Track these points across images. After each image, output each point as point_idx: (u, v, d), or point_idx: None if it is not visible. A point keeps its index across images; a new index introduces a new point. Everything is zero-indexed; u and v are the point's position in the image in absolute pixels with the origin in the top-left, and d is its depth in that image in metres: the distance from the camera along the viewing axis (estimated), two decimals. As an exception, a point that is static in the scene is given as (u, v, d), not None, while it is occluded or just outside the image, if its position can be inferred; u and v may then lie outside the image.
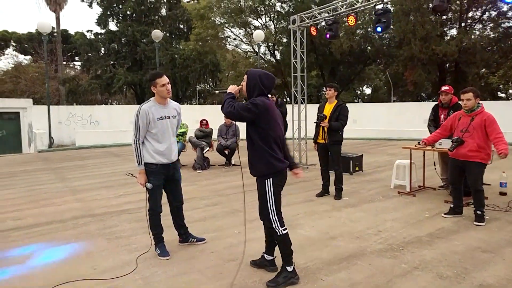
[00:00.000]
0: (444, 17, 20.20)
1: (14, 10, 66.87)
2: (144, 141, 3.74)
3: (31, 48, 35.22)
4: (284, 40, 23.57)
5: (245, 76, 3.24)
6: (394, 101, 31.43)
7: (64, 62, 33.37)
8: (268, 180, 3.15)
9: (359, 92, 43.78)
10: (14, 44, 37.99)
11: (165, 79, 3.70)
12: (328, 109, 6.10)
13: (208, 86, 34.72)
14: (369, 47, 23.37)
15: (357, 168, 8.43)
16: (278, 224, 3.17)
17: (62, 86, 26.92)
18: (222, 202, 6.07)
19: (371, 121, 18.53)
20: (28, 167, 10.78)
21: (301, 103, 9.64)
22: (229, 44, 27.52)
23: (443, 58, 19.13)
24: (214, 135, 9.82)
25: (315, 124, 6.19)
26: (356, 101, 40.64)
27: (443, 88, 6.18)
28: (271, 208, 3.17)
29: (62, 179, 8.52)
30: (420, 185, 6.81)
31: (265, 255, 3.50)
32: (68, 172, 9.51)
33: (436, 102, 6.51)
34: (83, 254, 4.01)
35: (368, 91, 44.23)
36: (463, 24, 20.24)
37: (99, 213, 5.60)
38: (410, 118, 17.13)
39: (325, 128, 6.03)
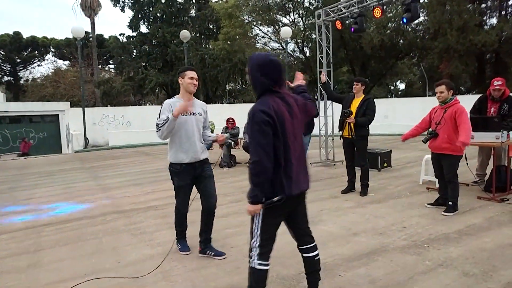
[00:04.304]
0: (483, 5, 19.31)
1: (52, 17, 69.99)
2: (169, 140, 3.67)
3: (69, 53, 36.84)
4: (313, 36, 23.34)
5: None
6: (429, 96, 30.42)
7: (100, 66, 34.57)
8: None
9: (392, 87, 42.76)
10: (53, 50, 39.89)
11: (194, 74, 3.70)
12: (355, 103, 5.98)
13: (237, 85, 34.91)
14: (401, 40, 22.72)
15: (385, 164, 8.21)
16: (256, 253, 2.42)
17: (97, 89, 27.86)
18: (246, 199, 6.07)
19: (404, 116, 17.99)
20: (65, 166, 11.24)
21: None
22: (258, 42, 27.57)
23: (482, 48, 18.27)
24: (241, 134, 9.85)
25: (340, 119, 6.08)
26: (389, 96, 39.67)
27: (496, 84, 5.82)
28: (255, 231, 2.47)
29: (95, 178, 8.83)
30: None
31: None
32: (101, 171, 9.84)
33: (482, 94, 6.22)
34: (109, 248, 4.13)
35: (402, 86, 43.19)
36: (503, 12, 19.30)
37: (127, 209, 5.76)
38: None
39: (351, 124, 5.91)
